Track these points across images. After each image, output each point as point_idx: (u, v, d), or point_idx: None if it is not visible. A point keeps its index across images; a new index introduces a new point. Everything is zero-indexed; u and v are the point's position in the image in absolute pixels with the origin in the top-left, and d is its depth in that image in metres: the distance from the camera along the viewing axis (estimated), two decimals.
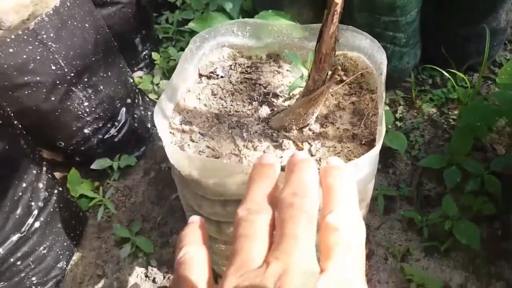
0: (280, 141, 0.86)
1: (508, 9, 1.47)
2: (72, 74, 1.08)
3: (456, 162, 1.26)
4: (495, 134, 1.42)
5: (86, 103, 1.15)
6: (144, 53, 1.60)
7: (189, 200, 0.85)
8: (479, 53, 1.51)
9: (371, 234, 1.19)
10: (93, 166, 1.28)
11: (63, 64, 1.04)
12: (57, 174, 1.34)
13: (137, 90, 1.36)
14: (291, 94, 0.97)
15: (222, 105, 0.96)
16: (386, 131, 1.37)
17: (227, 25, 1.01)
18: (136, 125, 1.32)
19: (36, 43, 0.98)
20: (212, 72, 1.03)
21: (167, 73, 1.63)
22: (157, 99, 1.49)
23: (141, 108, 1.36)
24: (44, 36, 0.99)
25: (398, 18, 1.35)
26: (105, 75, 1.18)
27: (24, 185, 0.97)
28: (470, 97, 1.41)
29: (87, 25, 1.09)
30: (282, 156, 0.84)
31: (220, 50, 1.05)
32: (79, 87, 1.11)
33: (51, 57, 1.02)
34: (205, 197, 0.79)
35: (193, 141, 0.87)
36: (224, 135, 0.89)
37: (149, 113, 1.41)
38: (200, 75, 1.02)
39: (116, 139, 1.27)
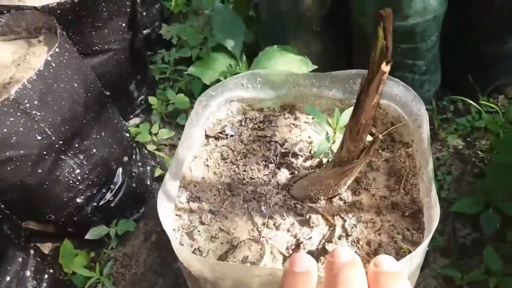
0: (307, 216, 0.73)
1: None
2: (61, 142, 0.95)
3: (493, 205, 1.13)
4: None
5: (77, 171, 1.02)
6: (140, 98, 1.47)
7: None
8: (506, 74, 1.39)
9: None
10: (87, 236, 1.15)
11: (49, 133, 0.92)
12: (49, 245, 1.21)
13: (134, 145, 1.24)
14: (312, 152, 0.84)
15: (234, 171, 0.83)
16: None
17: (236, 79, 0.88)
18: (134, 185, 1.19)
19: (19, 114, 0.85)
20: (220, 132, 0.90)
21: (166, 118, 1.50)
22: (157, 150, 1.36)
23: (139, 164, 1.23)
24: (27, 105, 0.86)
25: (417, 45, 1.23)
26: (98, 136, 1.05)
27: (8, 278, 0.84)
28: (502, 126, 1.28)
29: (75, 84, 0.97)
30: (311, 237, 0.71)
31: (228, 105, 0.93)
32: (69, 154, 0.99)
33: (35, 126, 0.89)
34: None
35: (203, 224, 0.74)
36: (239, 211, 0.76)
37: (148, 168, 1.28)
38: (207, 136, 0.90)
39: (112, 204, 1.14)
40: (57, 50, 0.91)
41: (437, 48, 1.30)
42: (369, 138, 0.61)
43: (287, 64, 1.25)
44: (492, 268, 1.04)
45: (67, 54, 0.94)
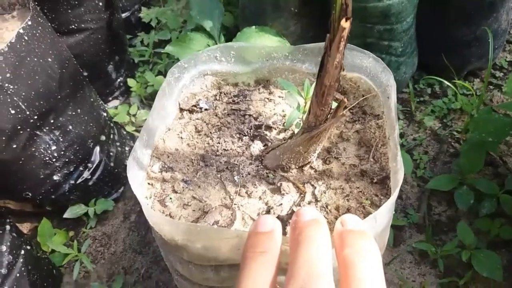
0: (278, 184, 0.74)
1: (509, 8, 1.37)
2: (36, 117, 0.95)
3: (467, 182, 1.16)
4: (503, 145, 1.31)
5: (53, 147, 1.01)
6: (119, 80, 1.47)
7: (175, 265, 0.72)
8: (480, 58, 1.41)
9: None
10: (66, 215, 1.14)
11: (24, 107, 0.91)
12: (27, 225, 1.20)
13: (112, 125, 1.23)
14: (286, 125, 0.85)
15: (208, 143, 0.84)
16: None
17: (209, 51, 0.88)
18: (112, 164, 1.19)
19: None
20: (194, 105, 0.90)
21: (145, 101, 1.50)
22: (136, 131, 1.36)
23: (117, 144, 1.23)
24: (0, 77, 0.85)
25: (393, 26, 1.24)
26: (74, 113, 1.05)
27: None
28: (476, 107, 1.30)
29: (50, 59, 0.96)
30: (281, 203, 0.72)
31: (202, 79, 0.93)
32: (44, 130, 0.98)
33: (9, 100, 0.88)
34: (194, 263, 0.67)
35: (176, 192, 0.74)
36: (212, 180, 0.77)
37: (126, 148, 1.27)
38: (181, 110, 0.90)
39: (90, 183, 1.14)
40: (29, 23, 0.90)
41: (413, 30, 1.31)
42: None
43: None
44: (465, 242, 1.06)
45: (40, 28, 0.94)
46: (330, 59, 0.54)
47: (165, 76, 1.51)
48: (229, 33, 1.58)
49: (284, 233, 0.44)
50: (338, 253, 0.38)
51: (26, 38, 0.90)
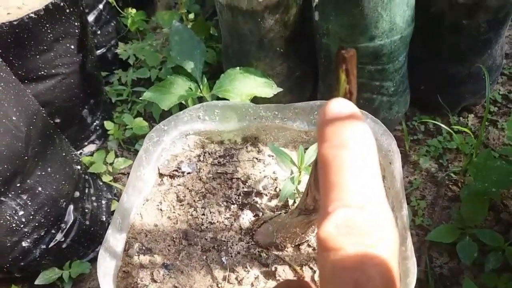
0: (273, 267, 0.66)
1: (503, 43, 1.32)
2: None
3: (469, 233, 1.08)
4: None
5: (21, 212, 0.91)
6: (95, 123, 1.37)
7: None
8: (474, 94, 1.36)
9: None
10: (38, 282, 1.04)
11: None
12: None
13: (86, 177, 1.14)
14: (277, 190, 0.77)
15: (192, 215, 0.75)
16: None
17: (191, 111, 0.80)
18: (87, 222, 1.09)
19: None
20: (176, 170, 0.81)
21: (124, 144, 1.40)
22: (113, 181, 1.26)
23: (93, 198, 1.13)
24: None
25: (384, 66, 1.18)
26: (43, 173, 0.95)
27: None
28: (474, 148, 1.23)
29: (14, 117, 0.87)
30: None
31: (184, 139, 0.84)
32: (10, 195, 0.89)
33: None
34: None
35: (155, 281, 0.65)
36: (196, 263, 0.68)
37: (103, 202, 1.17)
38: (161, 175, 0.81)
39: (64, 245, 1.04)
40: None
41: (405, 69, 1.25)
42: None
43: (251, 87, 1.17)
44: None
45: (2, 84, 0.84)
46: None
47: (144, 118, 1.42)
48: (211, 70, 1.50)
49: None
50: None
51: None
